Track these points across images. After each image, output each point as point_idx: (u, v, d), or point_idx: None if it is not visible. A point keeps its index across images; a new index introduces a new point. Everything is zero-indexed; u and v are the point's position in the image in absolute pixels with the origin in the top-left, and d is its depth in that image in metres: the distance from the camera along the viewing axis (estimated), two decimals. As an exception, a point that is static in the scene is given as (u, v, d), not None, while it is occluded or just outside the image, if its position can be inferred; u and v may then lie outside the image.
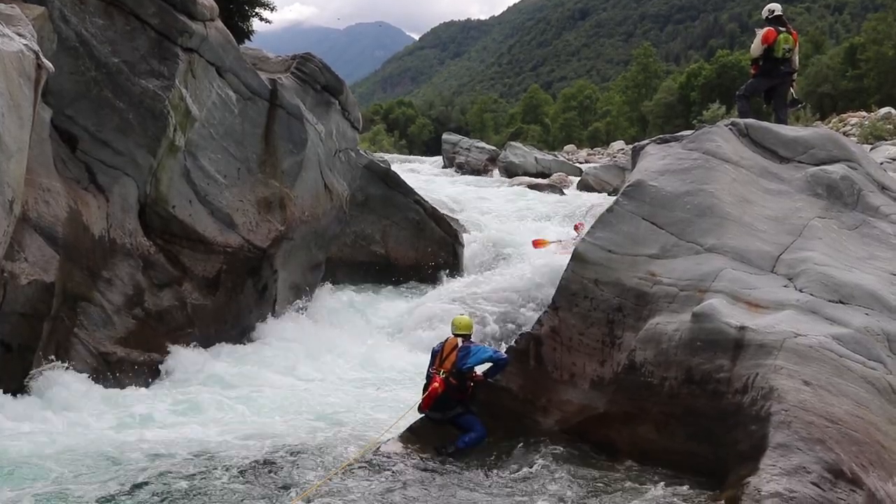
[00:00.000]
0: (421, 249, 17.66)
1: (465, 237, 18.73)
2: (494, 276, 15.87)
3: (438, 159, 48.33)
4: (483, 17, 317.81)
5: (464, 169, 42.71)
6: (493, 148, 47.61)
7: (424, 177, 31.55)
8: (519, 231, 20.45)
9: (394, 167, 20.99)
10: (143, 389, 9.40)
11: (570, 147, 70.35)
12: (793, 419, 5.45)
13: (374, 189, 17.74)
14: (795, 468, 5.17)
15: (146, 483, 6.23)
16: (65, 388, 8.54)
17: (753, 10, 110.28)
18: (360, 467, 6.48)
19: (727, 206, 7.38)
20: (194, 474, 6.44)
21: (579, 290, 7.26)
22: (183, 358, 10.21)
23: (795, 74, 10.99)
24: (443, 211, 19.29)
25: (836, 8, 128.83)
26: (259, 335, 11.93)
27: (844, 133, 32.84)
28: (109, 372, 9.29)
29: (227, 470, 6.53)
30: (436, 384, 7.08)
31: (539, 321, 7.48)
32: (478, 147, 46.22)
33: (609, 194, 26.97)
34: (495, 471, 6.56)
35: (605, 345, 7.04)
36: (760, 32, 10.66)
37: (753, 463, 5.37)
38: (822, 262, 6.81)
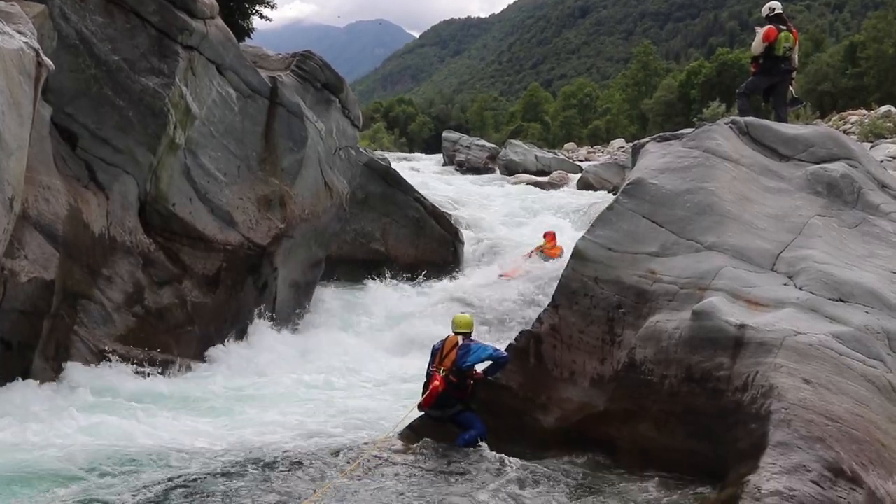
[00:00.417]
0: (421, 247, 17.68)
1: (464, 234, 18.73)
2: (494, 273, 15.86)
3: (438, 157, 48.24)
4: (483, 15, 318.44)
5: (464, 167, 42.63)
6: (494, 146, 47.45)
7: (424, 175, 31.50)
8: (519, 230, 20.43)
9: (394, 165, 21.01)
10: (142, 386, 9.38)
11: (570, 145, 70.14)
12: (793, 417, 5.45)
13: (375, 187, 17.75)
14: (795, 466, 5.17)
15: (146, 483, 6.23)
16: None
17: (753, 8, 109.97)
18: (360, 467, 6.48)
19: (727, 204, 7.38)
20: (195, 474, 6.44)
21: (579, 288, 7.26)
22: (182, 356, 10.18)
23: (795, 73, 10.99)
24: (442, 209, 19.29)
25: (837, 6, 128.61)
26: (259, 332, 11.92)
27: (844, 131, 32.75)
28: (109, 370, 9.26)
29: (227, 470, 6.52)
30: (436, 382, 7.08)
31: (539, 319, 7.48)
32: (478, 145, 46.11)
33: (609, 192, 26.93)
34: (495, 469, 6.56)
35: (605, 343, 7.04)
36: (761, 30, 10.64)
37: (753, 461, 5.36)
38: (823, 260, 6.81)
